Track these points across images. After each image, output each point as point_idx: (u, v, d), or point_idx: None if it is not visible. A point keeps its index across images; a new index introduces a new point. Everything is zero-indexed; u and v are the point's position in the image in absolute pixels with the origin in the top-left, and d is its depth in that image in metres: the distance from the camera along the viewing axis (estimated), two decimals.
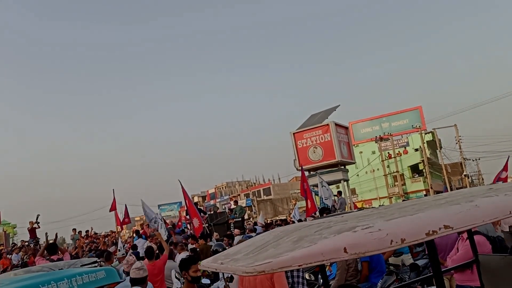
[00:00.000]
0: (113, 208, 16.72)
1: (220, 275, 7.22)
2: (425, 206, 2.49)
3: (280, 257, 1.98)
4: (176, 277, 7.47)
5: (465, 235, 4.55)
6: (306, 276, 8.25)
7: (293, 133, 16.51)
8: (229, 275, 7.38)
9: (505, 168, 12.54)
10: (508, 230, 6.67)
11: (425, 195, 27.60)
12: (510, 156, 13.93)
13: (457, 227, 2.18)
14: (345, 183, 16.72)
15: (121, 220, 16.03)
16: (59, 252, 8.16)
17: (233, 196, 48.13)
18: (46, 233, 15.59)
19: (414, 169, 41.40)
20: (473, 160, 48.16)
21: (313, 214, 12.89)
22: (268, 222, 20.80)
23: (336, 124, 15.94)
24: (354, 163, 18.58)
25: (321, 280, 7.78)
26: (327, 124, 15.80)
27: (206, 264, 2.41)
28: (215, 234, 12.55)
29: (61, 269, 4.06)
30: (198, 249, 10.15)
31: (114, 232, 19.18)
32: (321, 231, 2.27)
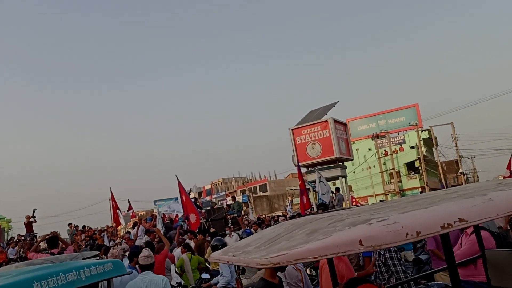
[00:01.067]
0: (115, 207, 16.72)
1: (220, 270, 7.21)
2: (437, 199, 2.47)
3: (295, 249, 1.96)
4: (176, 272, 7.47)
5: (469, 230, 4.54)
6: (308, 271, 8.26)
7: (292, 129, 16.50)
8: (241, 268, 7.39)
9: (508, 167, 12.55)
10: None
11: (421, 193, 27.71)
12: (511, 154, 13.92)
13: (471, 220, 2.17)
14: (343, 179, 16.74)
15: (121, 215, 16.07)
16: (62, 245, 8.08)
17: (229, 192, 48.19)
18: (34, 209, 15.61)
19: (410, 166, 41.56)
20: (468, 158, 48.39)
21: (306, 211, 12.95)
22: (263, 218, 20.77)
23: (335, 121, 15.94)
24: (352, 159, 18.60)
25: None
26: (326, 121, 15.79)
27: (217, 256, 2.39)
28: (211, 229, 12.55)
29: (63, 262, 4.04)
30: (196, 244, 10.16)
31: (111, 227, 19.18)
32: (334, 223, 2.24)
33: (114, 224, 17.30)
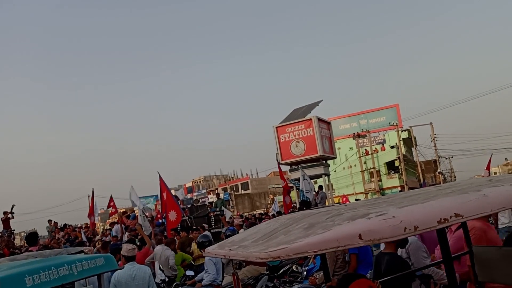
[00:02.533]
0: (91, 211, 16.53)
1: (206, 267, 7.16)
2: (432, 195, 2.49)
3: (295, 243, 1.95)
4: (160, 269, 7.39)
5: (453, 227, 4.61)
6: (294, 268, 8.29)
7: (276, 127, 16.51)
8: (238, 262, 7.35)
9: (487, 167, 12.79)
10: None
11: (400, 191, 28.14)
12: (493, 154, 14.22)
13: (467, 215, 2.20)
14: (326, 177, 16.85)
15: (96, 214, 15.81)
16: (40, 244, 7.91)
17: (211, 190, 47.99)
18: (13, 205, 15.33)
19: (390, 165, 42.16)
20: (446, 158, 49.39)
21: (289, 211, 13.04)
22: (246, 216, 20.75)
23: (319, 119, 16.02)
24: (335, 158, 18.75)
25: (305, 273, 7.84)
26: (310, 119, 15.86)
27: (213, 251, 2.36)
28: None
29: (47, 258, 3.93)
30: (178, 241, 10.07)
31: (86, 227, 18.87)
32: (332, 218, 2.24)
33: (89, 226, 17.05)
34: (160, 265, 7.81)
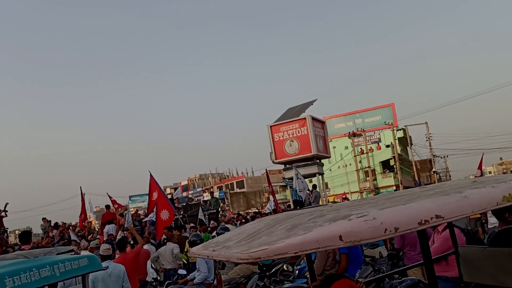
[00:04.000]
0: (83, 210, 16.65)
1: (198, 266, 7.17)
2: (415, 196, 2.52)
3: (275, 244, 1.96)
4: (152, 267, 7.39)
5: (440, 228, 4.64)
6: (284, 267, 8.31)
7: (270, 126, 16.50)
8: (221, 263, 7.35)
9: (479, 166, 12.82)
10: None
11: (395, 190, 28.24)
12: (484, 154, 14.24)
13: (448, 217, 2.22)
14: (320, 176, 16.87)
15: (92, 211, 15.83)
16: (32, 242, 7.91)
17: (206, 188, 47.96)
18: (6, 203, 15.35)
19: (385, 164, 42.30)
20: (441, 157, 49.57)
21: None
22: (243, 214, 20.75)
23: (313, 118, 16.02)
24: (329, 157, 18.76)
25: (297, 272, 7.87)
26: (304, 118, 15.86)
27: (197, 251, 2.37)
28: (191, 224, 12.43)
29: (37, 257, 3.92)
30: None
31: (89, 222, 18.91)
32: (314, 219, 2.25)
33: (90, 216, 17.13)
34: (166, 260, 8.05)
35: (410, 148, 43.75)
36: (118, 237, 11.28)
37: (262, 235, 2.28)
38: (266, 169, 14.70)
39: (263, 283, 5.69)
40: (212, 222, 12.88)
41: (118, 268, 5.87)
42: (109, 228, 13.68)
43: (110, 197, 17.12)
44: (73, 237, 12.73)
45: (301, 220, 2.34)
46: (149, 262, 7.41)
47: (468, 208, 2.28)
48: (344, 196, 29.62)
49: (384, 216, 2.09)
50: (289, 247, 1.94)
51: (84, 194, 17.39)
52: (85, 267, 2.58)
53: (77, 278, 5.41)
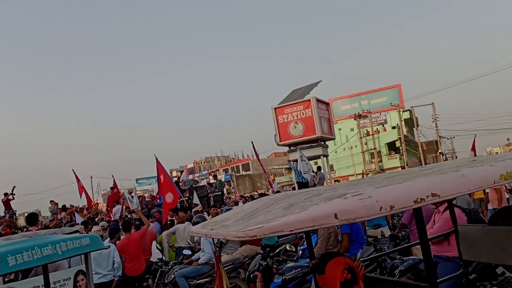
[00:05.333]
0: (81, 190, 16.88)
1: (202, 247, 7.27)
2: (412, 175, 2.52)
3: (271, 222, 1.99)
4: (157, 248, 7.51)
5: (441, 208, 4.65)
6: (287, 247, 8.40)
7: (274, 108, 16.45)
8: (219, 242, 7.46)
9: (472, 148, 12.67)
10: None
11: None
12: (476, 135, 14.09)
13: (444, 195, 2.22)
14: (325, 158, 16.88)
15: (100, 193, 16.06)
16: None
17: (212, 171, 48.12)
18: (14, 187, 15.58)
19: (391, 146, 42.17)
20: (448, 139, 49.26)
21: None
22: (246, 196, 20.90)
23: (318, 100, 15.94)
24: (334, 139, 18.73)
25: (300, 252, 7.95)
26: (309, 100, 15.78)
27: (196, 230, 2.41)
28: (198, 207, 12.53)
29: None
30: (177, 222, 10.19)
31: (96, 204, 19.16)
32: (311, 198, 2.28)
33: (96, 200, 17.36)
34: (182, 239, 8.23)
35: (416, 129, 43.49)
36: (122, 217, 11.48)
37: (259, 214, 2.31)
38: (264, 169, 14.75)
39: (266, 262, 5.77)
40: (199, 206, 12.93)
41: (110, 248, 6.59)
42: (118, 210, 13.90)
43: (114, 180, 17.31)
44: (78, 219, 12.91)
45: (297, 199, 2.37)
46: (154, 243, 7.53)
47: (464, 186, 2.28)
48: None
49: (380, 195, 2.11)
50: (285, 225, 1.97)
51: (92, 178, 17.64)
52: (87, 246, 2.64)
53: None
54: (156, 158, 11.43)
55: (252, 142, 15.21)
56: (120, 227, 8.58)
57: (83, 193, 17.46)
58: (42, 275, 3.20)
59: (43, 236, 3.00)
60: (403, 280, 2.73)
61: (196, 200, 13.24)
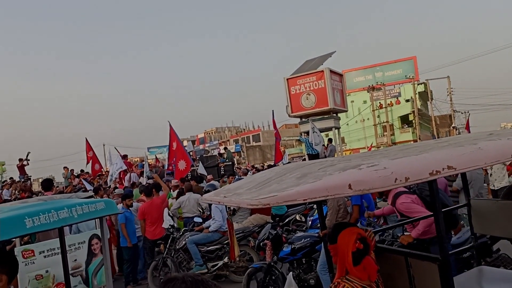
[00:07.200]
0: (88, 158, 17.07)
1: (212, 215, 7.38)
2: (428, 147, 2.49)
3: (285, 191, 1.98)
4: (169, 215, 7.65)
5: (390, 199, 4.47)
6: (297, 217, 8.49)
7: (287, 79, 16.24)
8: (232, 209, 7.57)
9: (466, 126, 12.39)
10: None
11: None
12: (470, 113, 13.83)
13: (460, 168, 2.19)
14: (336, 130, 16.78)
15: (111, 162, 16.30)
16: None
17: (222, 141, 48.35)
18: (28, 152, 15.85)
19: (404, 119, 41.71)
20: (462, 113, 48.50)
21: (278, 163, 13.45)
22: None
23: (331, 71, 15.69)
24: (346, 111, 18.56)
25: (309, 222, 8.03)
26: (322, 71, 15.54)
27: (209, 197, 2.42)
28: (210, 176, 12.65)
29: None
30: None
31: (107, 171, 19.39)
32: (325, 168, 2.26)
33: (107, 167, 17.63)
34: (189, 209, 8.40)
35: (431, 103, 42.84)
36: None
37: (273, 183, 2.31)
38: (272, 118, 14.60)
39: (275, 231, 5.85)
40: (210, 175, 13.01)
41: None
42: (131, 176, 14.11)
43: (119, 153, 17.51)
44: (88, 187, 13.12)
45: (311, 169, 2.36)
46: (166, 210, 7.68)
47: (481, 160, 2.24)
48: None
49: (395, 166, 2.08)
50: (298, 194, 1.96)
51: (104, 145, 17.85)
52: (102, 210, 2.69)
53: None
54: (170, 125, 11.48)
55: (272, 111, 14.99)
56: (140, 192, 8.96)
57: (90, 162, 17.67)
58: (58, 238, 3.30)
59: (59, 200, 3.06)
60: (415, 252, 2.73)
61: (201, 170, 13.23)
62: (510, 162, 8.47)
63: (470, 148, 2.29)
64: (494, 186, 8.59)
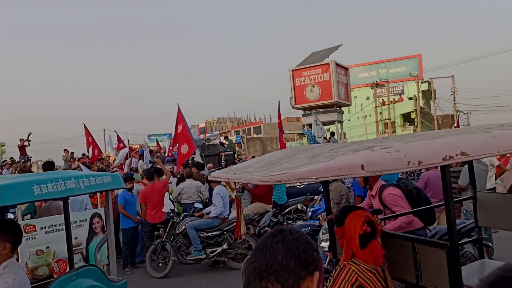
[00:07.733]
0: (88, 144, 17.01)
1: (213, 201, 7.37)
2: (441, 134, 2.47)
3: (297, 169, 1.96)
4: (170, 199, 7.65)
5: (374, 190, 4.36)
6: (298, 206, 8.49)
7: (292, 70, 16.15)
8: (240, 187, 7.56)
9: (457, 125, 12.35)
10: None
11: None
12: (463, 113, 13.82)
13: (473, 154, 2.17)
14: (339, 124, 16.75)
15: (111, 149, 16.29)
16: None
17: (223, 132, 48.23)
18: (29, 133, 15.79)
19: (406, 117, 41.62)
20: (464, 113, 48.39)
21: None
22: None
23: (337, 64, 15.61)
24: (350, 105, 18.50)
25: (310, 213, 8.03)
26: (327, 64, 15.46)
27: (217, 175, 2.40)
28: (210, 164, 12.62)
29: None
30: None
31: (108, 156, 19.41)
32: (337, 149, 2.24)
33: (108, 152, 17.58)
34: (190, 196, 8.50)
35: (434, 101, 42.72)
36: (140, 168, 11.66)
37: (283, 162, 2.29)
38: (278, 109, 14.44)
39: (277, 219, 5.84)
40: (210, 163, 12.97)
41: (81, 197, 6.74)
42: (131, 161, 14.12)
43: (118, 135, 17.50)
44: (85, 170, 13.11)
45: (322, 150, 2.34)
46: (166, 194, 7.68)
47: (494, 147, 2.23)
48: None
49: (409, 149, 2.06)
50: (310, 172, 1.94)
51: (104, 130, 17.80)
52: (109, 183, 2.66)
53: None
54: (179, 107, 11.43)
55: (279, 101, 14.87)
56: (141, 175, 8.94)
57: (90, 147, 17.63)
58: (61, 214, 3.28)
59: (68, 171, 3.04)
60: (423, 238, 2.72)
61: (198, 158, 12.92)
62: (501, 160, 8.35)
63: (484, 135, 2.27)
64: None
